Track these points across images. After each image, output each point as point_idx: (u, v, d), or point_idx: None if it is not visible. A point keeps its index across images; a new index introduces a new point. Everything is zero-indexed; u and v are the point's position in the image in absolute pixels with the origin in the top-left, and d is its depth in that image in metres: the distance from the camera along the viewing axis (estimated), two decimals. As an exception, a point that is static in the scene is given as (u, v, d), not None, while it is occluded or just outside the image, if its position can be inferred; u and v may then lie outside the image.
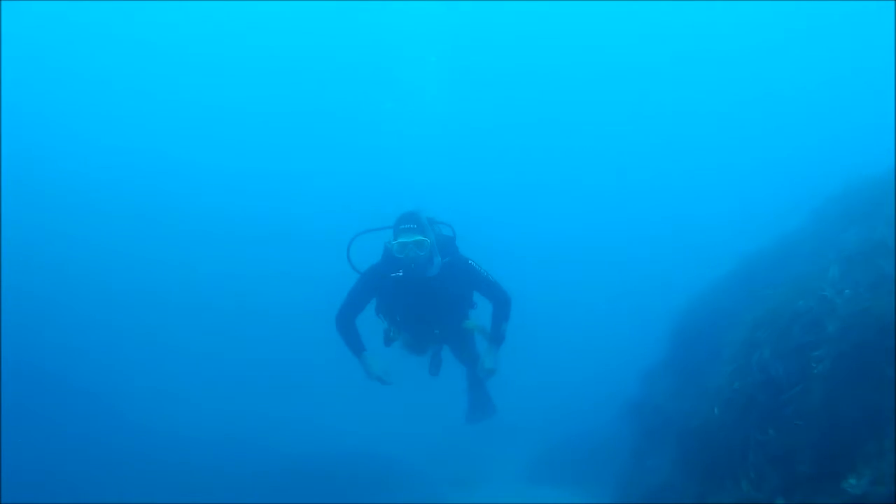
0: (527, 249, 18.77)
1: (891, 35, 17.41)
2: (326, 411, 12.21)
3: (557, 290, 16.38)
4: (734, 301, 5.47)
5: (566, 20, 24.88)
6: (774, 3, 21.77)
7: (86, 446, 10.38)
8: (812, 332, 3.41)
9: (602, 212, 21.43)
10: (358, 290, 5.22)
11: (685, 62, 24.11)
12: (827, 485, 3.12)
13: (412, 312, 5.24)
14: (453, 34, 25.15)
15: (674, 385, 6.86)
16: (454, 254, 5.22)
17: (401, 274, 4.97)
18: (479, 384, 6.03)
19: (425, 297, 5.12)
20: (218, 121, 26.02)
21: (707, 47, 23.60)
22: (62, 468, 9.76)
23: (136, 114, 24.90)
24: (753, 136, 21.80)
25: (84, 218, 19.88)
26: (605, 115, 24.86)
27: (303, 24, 25.68)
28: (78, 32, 23.95)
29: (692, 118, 23.67)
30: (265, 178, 25.00)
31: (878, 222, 3.68)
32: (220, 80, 26.17)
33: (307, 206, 23.38)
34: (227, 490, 9.20)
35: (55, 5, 22.86)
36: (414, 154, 24.94)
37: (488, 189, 23.04)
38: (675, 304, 8.20)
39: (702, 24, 23.43)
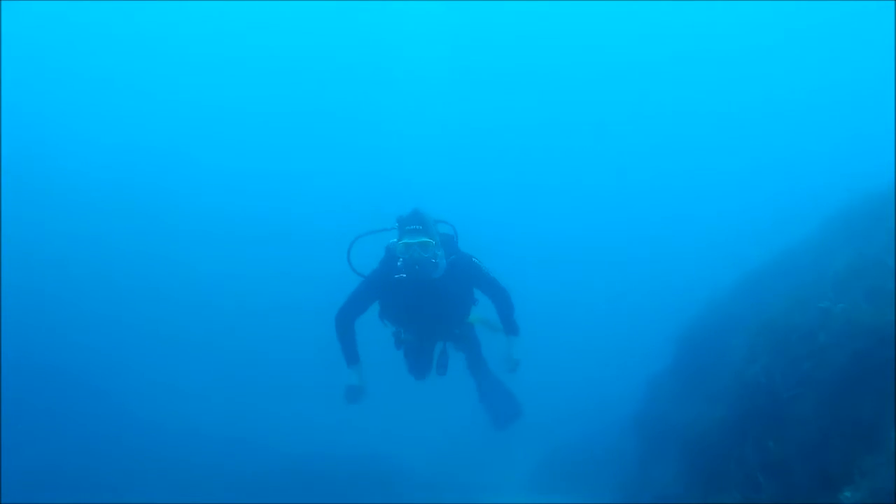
0: (532, 252, 18.84)
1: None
2: (329, 413, 12.31)
3: (562, 293, 16.45)
4: (738, 310, 5.59)
5: (576, 17, 24.90)
6: (785, 8, 21.92)
7: (85, 446, 10.51)
8: (809, 343, 3.52)
9: (610, 215, 21.47)
10: (361, 291, 5.25)
11: (696, 72, 24.26)
12: (824, 496, 3.23)
13: (417, 313, 5.27)
14: (455, 34, 25.26)
15: (678, 393, 6.96)
16: (457, 253, 5.28)
17: (405, 276, 5.00)
18: (495, 388, 6.04)
19: (430, 298, 5.16)
20: (218, 120, 26.13)
21: (716, 54, 23.77)
22: (62, 468, 9.87)
23: (136, 113, 25.04)
24: (764, 144, 21.86)
25: (89, 217, 20.01)
26: (615, 121, 24.90)
27: (304, 25, 25.80)
28: (78, 32, 24.12)
29: (704, 121, 23.74)
30: (272, 177, 25.11)
31: (878, 237, 3.79)
32: (220, 80, 26.28)
33: (313, 205, 23.45)
34: (231, 490, 9.33)
35: (55, 5, 23.01)
36: (416, 154, 25.03)
37: (492, 190, 23.11)
38: (682, 311, 8.29)
39: (705, 26, 23.57)
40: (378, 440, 11.30)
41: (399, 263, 4.98)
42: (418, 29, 25.39)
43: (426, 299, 5.15)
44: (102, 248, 18.72)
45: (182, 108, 25.59)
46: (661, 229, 19.45)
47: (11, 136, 19.46)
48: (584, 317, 15.47)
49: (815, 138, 20.07)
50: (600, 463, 8.91)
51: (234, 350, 15.41)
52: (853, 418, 3.24)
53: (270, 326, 16.27)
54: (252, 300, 18.02)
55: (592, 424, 10.40)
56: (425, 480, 10.04)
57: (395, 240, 5.11)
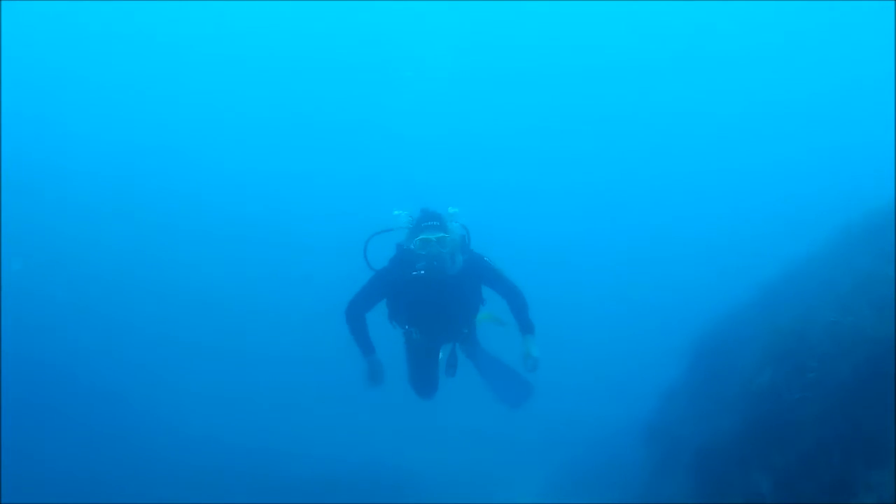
0: (548, 259, 18.87)
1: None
2: (340, 421, 12.43)
3: (574, 302, 16.45)
4: (751, 322, 5.65)
5: (596, 16, 24.85)
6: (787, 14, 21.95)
7: (85, 447, 10.66)
8: (816, 354, 3.60)
9: (629, 225, 21.45)
10: (372, 286, 5.25)
11: (720, 82, 24.28)
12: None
13: (430, 311, 5.28)
14: (458, 34, 25.32)
15: (691, 405, 7.03)
16: (469, 252, 5.33)
17: (422, 272, 5.00)
18: (498, 368, 6.03)
19: (444, 295, 5.15)
20: (219, 119, 26.29)
21: (746, 65, 23.79)
22: (62, 468, 10.02)
23: (142, 113, 25.21)
24: (780, 154, 21.82)
25: (92, 218, 20.20)
26: (634, 133, 24.91)
27: (306, 25, 25.95)
28: (78, 32, 24.28)
29: (719, 129, 23.75)
30: (280, 179, 25.23)
31: (885, 249, 3.86)
32: (220, 80, 26.40)
33: (323, 207, 23.52)
34: (238, 496, 9.47)
35: (55, 5, 23.30)
36: (427, 156, 25.06)
37: (507, 194, 23.11)
38: (696, 320, 8.34)
39: (710, 28, 23.60)
40: (390, 446, 11.38)
41: (415, 256, 5.00)
42: (423, 29, 25.44)
43: (441, 296, 5.16)
44: (105, 250, 18.87)
45: (183, 109, 25.71)
46: (676, 239, 19.44)
47: (11, 136, 19.64)
48: (598, 324, 15.48)
49: (831, 147, 20.04)
50: (612, 472, 8.97)
51: (241, 354, 15.49)
52: (858, 430, 3.31)
53: (280, 331, 16.36)
54: (261, 305, 18.12)
55: (605, 433, 10.44)
56: (437, 488, 10.12)
57: (407, 238, 5.16)
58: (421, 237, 4.95)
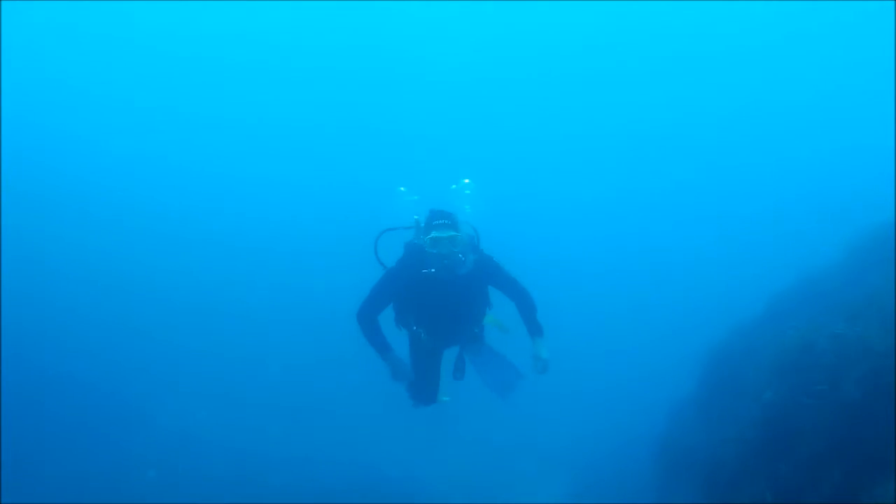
0: (553, 271, 18.89)
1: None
2: (347, 428, 12.48)
3: (584, 314, 16.47)
4: (761, 337, 5.71)
5: (616, 19, 24.89)
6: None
7: (84, 447, 10.78)
8: (823, 369, 3.67)
9: (643, 237, 21.44)
10: (383, 286, 5.23)
11: (739, 94, 24.30)
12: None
13: (440, 310, 5.26)
14: (463, 35, 25.36)
15: (701, 420, 7.07)
16: (480, 252, 5.35)
17: (433, 271, 5.02)
18: (491, 358, 6.01)
19: (453, 295, 5.17)
20: (218, 119, 26.42)
21: (767, 78, 23.83)
22: (62, 468, 10.14)
23: (149, 114, 25.33)
24: (793, 167, 21.78)
25: (92, 218, 20.34)
26: (645, 145, 24.93)
27: (309, 26, 26.11)
28: (79, 32, 24.38)
29: (732, 140, 23.77)
30: (280, 180, 25.25)
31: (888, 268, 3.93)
32: (220, 80, 26.50)
33: (324, 210, 23.52)
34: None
35: (55, 5, 23.48)
36: (427, 156, 24.96)
37: (515, 205, 23.05)
38: (708, 334, 8.38)
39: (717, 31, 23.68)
40: (395, 455, 11.43)
41: (426, 254, 5.01)
42: (423, 29, 25.50)
43: (451, 296, 5.18)
44: (105, 250, 18.95)
45: (183, 109, 25.85)
46: (688, 251, 19.43)
47: (11, 136, 19.81)
48: (609, 337, 15.50)
49: (844, 154, 20.01)
50: (623, 484, 9.01)
51: (242, 357, 15.55)
52: (861, 445, 3.36)
53: (285, 336, 16.41)
54: (262, 306, 18.14)
55: (615, 445, 10.48)
56: (442, 498, 10.18)
57: (415, 237, 5.19)
58: (432, 235, 4.95)
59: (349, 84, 26.83)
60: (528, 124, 26.19)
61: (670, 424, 8.00)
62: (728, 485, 4.73)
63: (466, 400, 6.14)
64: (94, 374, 13.18)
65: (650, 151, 24.78)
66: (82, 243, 18.80)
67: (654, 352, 13.36)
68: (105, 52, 25.08)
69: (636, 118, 25.41)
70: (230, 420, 12.50)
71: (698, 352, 8.13)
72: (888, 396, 3.30)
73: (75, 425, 11.35)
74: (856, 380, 3.48)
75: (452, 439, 11.62)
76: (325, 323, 11.61)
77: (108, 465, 10.30)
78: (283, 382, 14.26)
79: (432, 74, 26.56)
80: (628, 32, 25.04)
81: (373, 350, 5.24)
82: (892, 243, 4.89)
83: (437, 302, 5.21)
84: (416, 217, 5.27)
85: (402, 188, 5.78)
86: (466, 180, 6.04)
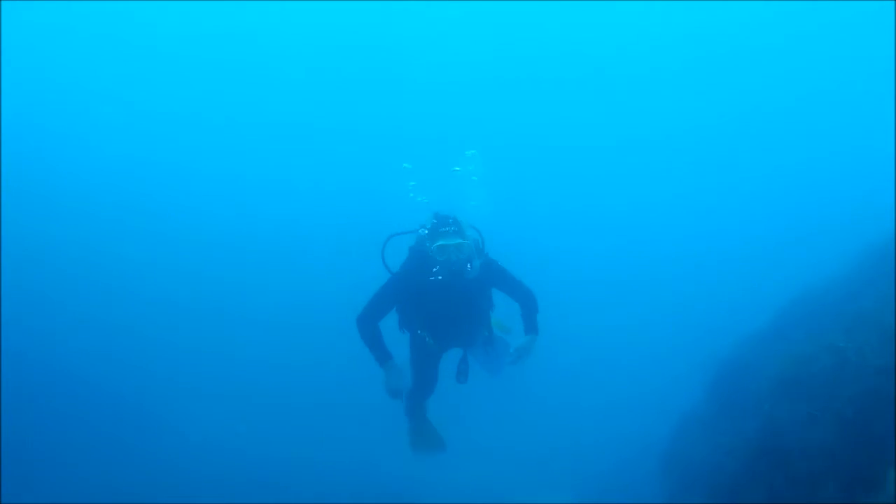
0: (558, 279, 18.96)
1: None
2: (350, 435, 12.56)
3: (589, 324, 16.55)
4: (764, 350, 5.83)
5: (625, 19, 24.94)
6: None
7: (84, 447, 10.87)
8: (823, 384, 3.80)
9: (652, 250, 21.50)
10: (387, 292, 5.32)
11: (752, 104, 24.37)
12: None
13: (445, 315, 5.36)
14: (463, 35, 25.40)
15: (706, 433, 7.18)
16: (484, 257, 5.46)
17: (440, 277, 5.10)
18: (493, 350, 6.06)
19: (459, 300, 5.27)
20: (219, 120, 26.55)
21: (778, 87, 23.90)
22: (62, 468, 10.28)
23: (151, 114, 25.48)
24: (801, 178, 21.83)
25: (92, 219, 20.47)
26: (653, 156, 25.00)
27: (306, 26, 26.22)
28: (79, 32, 24.50)
29: (740, 149, 23.85)
30: (279, 181, 25.36)
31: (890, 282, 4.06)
32: (219, 80, 26.66)
33: (325, 211, 23.61)
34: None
35: (55, 5, 23.57)
36: (432, 158, 24.93)
37: (520, 211, 23.10)
38: (715, 346, 8.49)
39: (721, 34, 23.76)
40: (402, 466, 11.51)
41: (435, 267, 5.10)
42: (425, 30, 25.58)
43: (457, 301, 5.28)
44: (104, 250, 19.08)
45: (183, 110, 25.97)
46: (695, 261, 19.52)
47: (11, 137, 19.95)
48: (616, 345, 15.59)
49: (852, 165, 20.07)
50: (628, 496, 9.09)
51: (243, 359, 15.64)
52: (858, 460, 3.49)
53: (286, 339, 16.48)
54: (262, 308, 18.24)
55: (621, 458, 10.57)
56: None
57: (421, 242, 5.27)
58: (439, 243, 5.03)
59: (349, 84, 26.92)
60: (539, 125, 26.22)
61: (676, 435, 8.09)
62: (730, 496, 4.86)
63: (471, 407, 6.26)
64: (94, 375, 13.30)
65: (657, 163, 24.86)
66: (84, 243, 18.97)
67: (660, 362, 13.45)
68: (105, 52, 25.25)
69: (648, 128, 25.50)
70: (230, 420, 12.65)
71: (705, 362, 8.24)
72: (883, 413, 3.44)
73: (76, 425, 11.47)
74: (852, 396, 3.62)
75: (457, 446, 11.69)
76: (326, 323, 11.69)
77: (108, 465, 10.40)
78: (284, 383, 14.39)
79: (435, 69, 26.62)
80: (644, 35, 25.11)
81: (371, 357, 5.34)
82: (893, 257, 5.04)
83: (443, 307, 5.32)
84: (421, 229, 5.33)
85: (406, 164, 5.82)
86: (471, 154, 6.04)
